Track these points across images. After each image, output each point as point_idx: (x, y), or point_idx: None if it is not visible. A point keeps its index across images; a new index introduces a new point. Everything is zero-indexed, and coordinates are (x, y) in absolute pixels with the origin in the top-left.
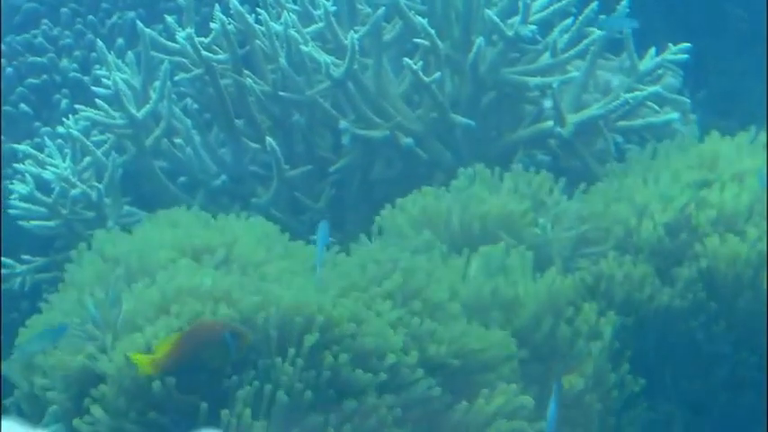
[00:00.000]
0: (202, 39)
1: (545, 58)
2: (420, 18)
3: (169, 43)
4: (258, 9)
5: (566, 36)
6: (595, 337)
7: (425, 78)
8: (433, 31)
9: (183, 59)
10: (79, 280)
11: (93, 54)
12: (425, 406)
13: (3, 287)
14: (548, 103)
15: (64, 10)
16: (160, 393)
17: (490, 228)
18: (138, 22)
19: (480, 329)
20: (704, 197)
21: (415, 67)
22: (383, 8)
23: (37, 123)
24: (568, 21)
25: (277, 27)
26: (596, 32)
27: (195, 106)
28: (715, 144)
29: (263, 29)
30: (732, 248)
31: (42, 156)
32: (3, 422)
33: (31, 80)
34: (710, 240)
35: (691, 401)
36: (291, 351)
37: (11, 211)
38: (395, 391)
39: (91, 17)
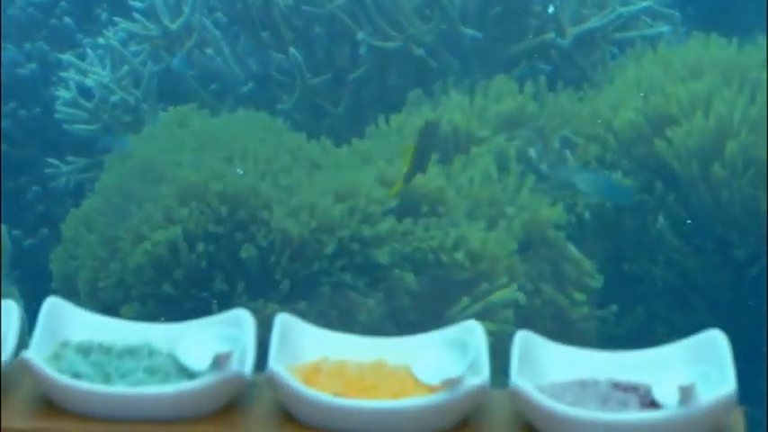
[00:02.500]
0: None
1: None
2: None
3: None
4: None
5: None
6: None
7: None
8: None
9: None
10: (105, 180)
11: None
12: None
13: (50, 185)
14: (551, 9)
15: None
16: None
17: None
18: None
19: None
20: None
21: None
22: None
23: (79, 35)
24: None
25: None
26: None
27: (224, 19)
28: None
29: None
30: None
31: (84, 64)
32: (48, 299)
33: None
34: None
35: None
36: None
37: (56, 116)
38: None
39: None
